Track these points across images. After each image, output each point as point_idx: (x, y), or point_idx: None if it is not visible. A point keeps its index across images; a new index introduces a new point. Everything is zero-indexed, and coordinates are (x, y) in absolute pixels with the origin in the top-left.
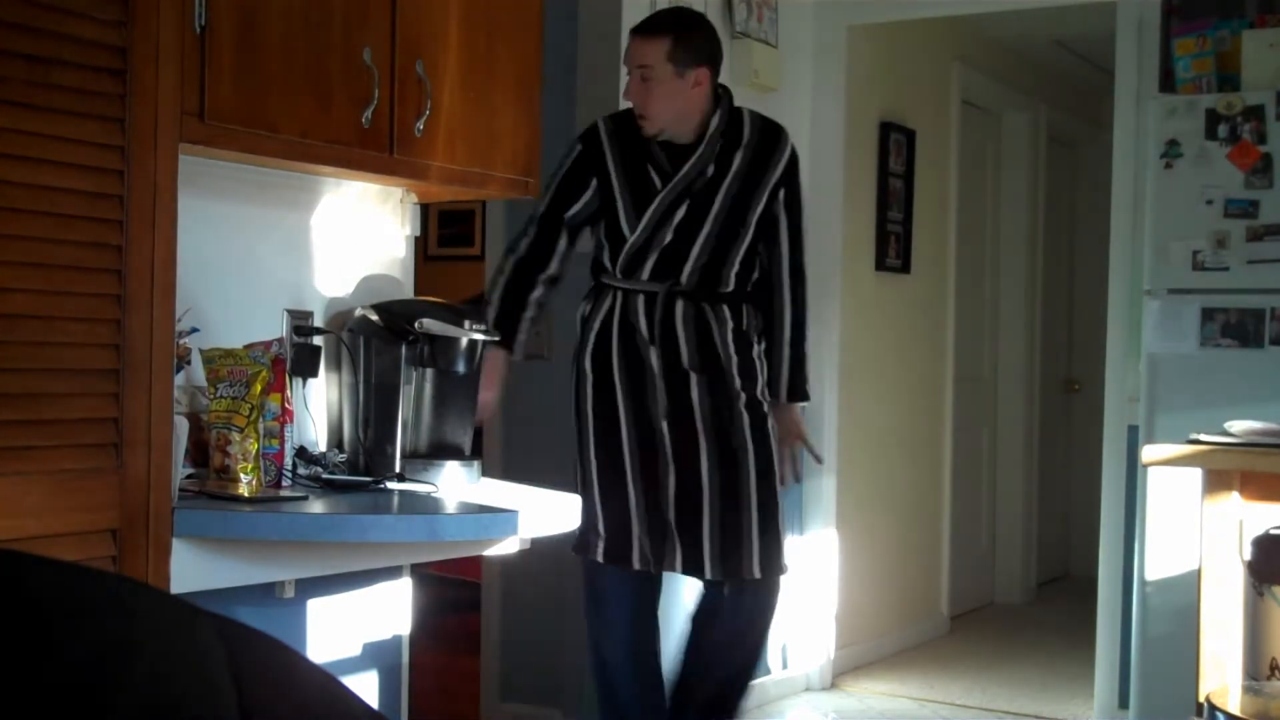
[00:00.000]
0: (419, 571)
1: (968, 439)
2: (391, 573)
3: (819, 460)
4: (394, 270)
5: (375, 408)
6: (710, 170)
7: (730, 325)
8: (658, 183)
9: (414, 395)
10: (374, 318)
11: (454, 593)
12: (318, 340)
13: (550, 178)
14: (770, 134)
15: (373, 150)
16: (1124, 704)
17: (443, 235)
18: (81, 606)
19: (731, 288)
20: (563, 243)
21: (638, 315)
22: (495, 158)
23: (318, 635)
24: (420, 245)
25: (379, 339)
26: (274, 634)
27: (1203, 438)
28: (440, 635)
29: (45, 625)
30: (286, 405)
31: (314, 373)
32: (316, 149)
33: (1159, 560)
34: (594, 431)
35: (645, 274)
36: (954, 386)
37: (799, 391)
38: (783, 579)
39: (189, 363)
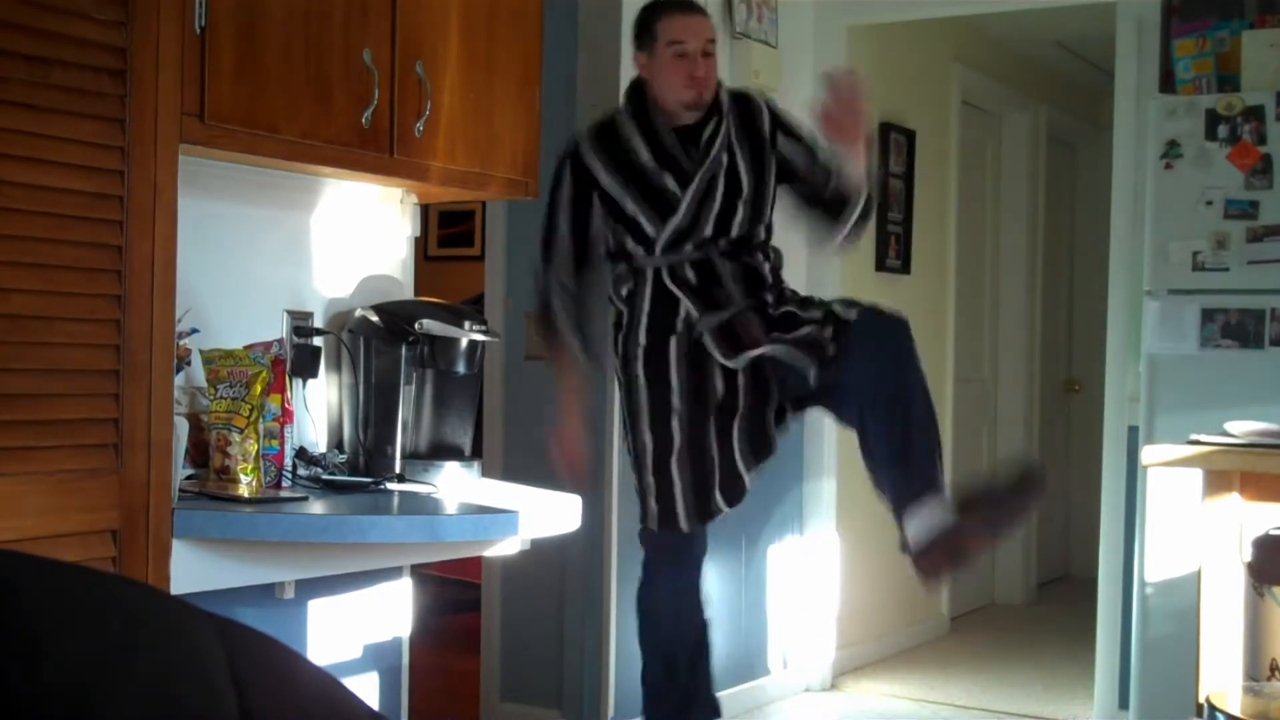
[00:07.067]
0: (419, 571)
1: (968, 439)
2: (391, 573)
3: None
4: (394, 270)
5: (375, 408)
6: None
7: (768, 266)
8: (671, 182)
9: (414, 395)
10: (374, 318)
11: (454, 593)
12: (318, 341)
13: (549, 207)
14: (742, 98)
15: (373, 150)
16: (1124, 704)
17: (443, 235)
18: (80, 607)
19: (763, 237)
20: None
21: (685, 283)
22: (495, 158)
23: (318, 635)
24: (420, 245)
25: (379, 339)
26: (274, 634)
27: (1203, 438)
28: (440, 635)
29: (44, 626)
30: (286, 406)
31: (314, 373)
32: (316, 149)
33: (1159, 561)
34: (649, 404)
35: (690, 247)
36: (954, 387)
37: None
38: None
39: (189, 363)
